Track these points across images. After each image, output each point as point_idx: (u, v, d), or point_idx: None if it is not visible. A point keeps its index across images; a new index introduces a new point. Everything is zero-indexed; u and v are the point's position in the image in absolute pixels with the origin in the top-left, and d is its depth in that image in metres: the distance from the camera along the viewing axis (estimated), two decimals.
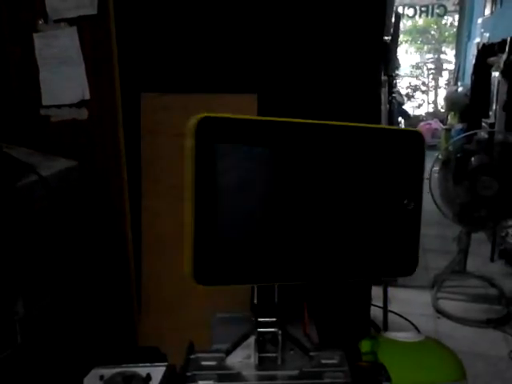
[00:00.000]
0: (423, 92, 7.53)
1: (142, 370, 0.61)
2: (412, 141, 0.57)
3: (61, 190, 1.30)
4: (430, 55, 7.68)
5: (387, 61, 1.51)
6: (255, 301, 0.61)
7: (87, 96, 1.55)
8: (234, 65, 1.45)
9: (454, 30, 7.31)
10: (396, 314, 2.51)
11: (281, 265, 0.54)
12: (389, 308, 2.45)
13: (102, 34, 1.53)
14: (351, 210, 0.56)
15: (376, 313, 2.21)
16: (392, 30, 2.12)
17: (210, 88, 1.44)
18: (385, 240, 0.57)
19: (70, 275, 1.37)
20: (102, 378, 0.60)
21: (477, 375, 2.08)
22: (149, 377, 0.61)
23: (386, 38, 1.32)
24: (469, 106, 4.45)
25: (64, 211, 1.29)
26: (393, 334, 0.63)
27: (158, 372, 0.60)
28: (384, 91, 1.34)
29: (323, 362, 0.59)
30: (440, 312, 2.60)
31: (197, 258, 0.50)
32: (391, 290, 2.73)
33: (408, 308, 2.61)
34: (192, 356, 0.61)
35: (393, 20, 2.31)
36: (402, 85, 7.30)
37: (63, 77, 1.53)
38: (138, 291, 1.56)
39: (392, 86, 3.69)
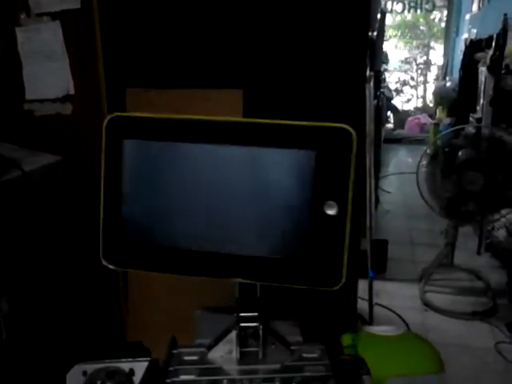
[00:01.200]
0: (412, 87, 7.57)
1: (125, 365, 0.61)
2: (337, 137, 0.51)
3: (45, 185, 1.29)
4: (419, 50, 7.71)
5: (373, 56, 1.52)
6: (237, 295, 0.62)
7: (72, 91, 1.53)
8: (219, 60, 1.44)
9: (443, 25, 7.35)
10: (383, 306, 2.54)
11: (183, 258, 0.55)
12: (376, 301, 2.47)
13: (85, 29, 1.51)
14: (260, 207, 0.52)
15: (363, 306, 2.23)
16: (378, 26, 2.13)
17: (195, 83, 1.44)
18: (301, 246, 0.51)
19: (55, 271, 1.36)
20: (85, 373, 0.60)
21: (464, 367, 2.10)
22: (132, 372, 0.61)
23: (371, 33, 1.33)
24: (457, 100, 4.48)
25: (48, 207, 1.28)
26: (373, 328, 0.63)
27: (141, 367, 0.60)
28: (369, 86, 1.34)
29: (304, 355, 0.60)
30: (427, 305, 2.63)
31: (105, 241, 0.57)
32: (379, 284, 2.75)
33: (395, 301, 2.63)
34: (174, 351, 0.61)
35: (379, 16, 2.33)
36: (391, 80, 7.32)
37: (47, 71, 1.52)
38: (125, 287, 1.55)
39: (380, 81, 3.70)
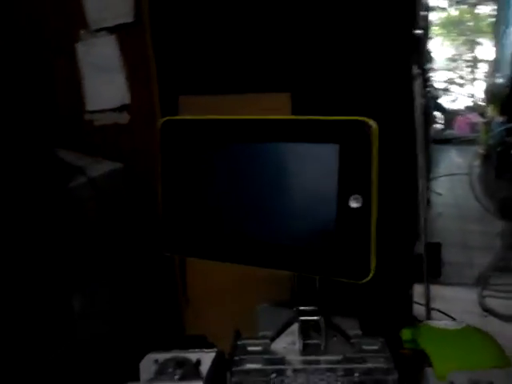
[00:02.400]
0: (460, 85, 7.34)
1: (192, 356, 0.64)
2: (358, 130, 0.51)
3: (108, 190, 1.36)
4: (466, 47, 7.47)
5: (419, 54, 1.50)
6: (296, 290, 0.64)
7: (127, 100, 1.61)
8: (268, 64, 1.47)
9: (490, 19, 7.09)
10: (440, 312, 2.47)
11: (232, 247, 0.59)
12: (433, 306, 2.41)
13: (139, 41, 1.59)
14: (292, 203, 0.55)
15: (420, 312, 2.18)
16: (423, 24, 2.09)
17: (245, 88, 1.47)
18: (328, 240, 0.53)
19: (119, 271, 1.43)
20: (156, 362, 0.64)
21: None
22: (199, 362, 0.64)
23: (417, 31, 1.32)
24: (509, 97, 4.31)
25: (111, 211, 1.35)
26: (433, 322, 0.64)
27: (207, 357, 0.64)
28: (417, 84, 1.33)
29: (365, 348, 0.61)
30: (487, 310, 2.54)
31: (165, 232, 0.63)
32: (435, 288, 2.67)
33: (453, 306, 2.54)
34: (239, 342, 0.64)
35: (424, 13, 2.28)
36: (437, 79, 7.13)
37: (104, 83, 1.60)
38: (183, 282, 1.61)
39: (426, 79, 3.63)
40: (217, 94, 1.51)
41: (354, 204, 0.51)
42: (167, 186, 0.62)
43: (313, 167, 0.54)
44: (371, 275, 0.51)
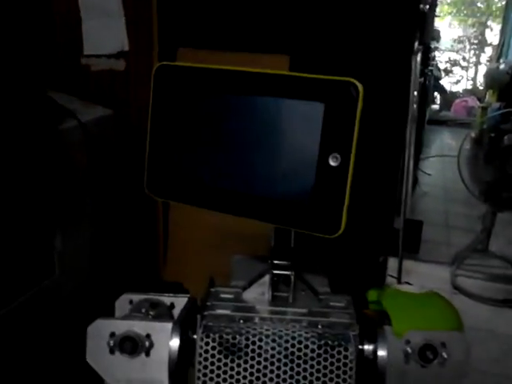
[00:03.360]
0: (463, 68, 7.28)
1: (166, 299, 0.67)
2: (345, 91, 0.52)
3: (97, 136, 1.37)
4: (474, 29, 7.37)
5: (423, 29, 1.49)
6: (272, 244, 0.66)
7: (126, 47, 1.59)
8: (269, 26, 1.46)
9: (503, 2, 6.98)
10: (410, 285, 2.54)
11: (212, 194, 0.61)
12: (407, 280, 2.49)
13: None
14: (274, 157, 0.56)
15: (392, 284, 2.25)
16: (431, 0, 2.07)
17: (244, 47, 1.46)
18: (306, 194, 0.55)
19: (103, 215, 1.45)
20: (131, 302, 0.66)
21: (489, 352, 2.11)
22: (172, 305, 0.67)
23: (423, 6, 1.31)
24: (509, 84, 4.30)
25: (99, 156, 1.36)
26: (398, 286, 0.67)
27: (180, 302, 0.66)
28: (415, 59, 1.33)
29: (331, 304, 0.64)
30: (457, 288, 2.62)
31: (149, 174, 0.64)
32: (411, 264, 2.76)
33: (425, 282, 2.63)
34: (212, 289, 0.67)
35: None
36: (442, 59, 7.05)
37: (104, 27, 1.57)
38: (165, 237, 1.64)
39: (428, 58, 3.59)
40: (216, 49, 1.50)
41: (332, 162, 0.53)
42: (155, 130, 0.64)
43: (297, 123, 0.55)
44: (341, 231, 0.53)
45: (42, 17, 1.60)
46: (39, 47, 1.25)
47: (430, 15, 2.41)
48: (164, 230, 1.65)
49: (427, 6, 1.90)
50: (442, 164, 4.70)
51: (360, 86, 0.51)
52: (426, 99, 4.16)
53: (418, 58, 1.39)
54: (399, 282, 2.23)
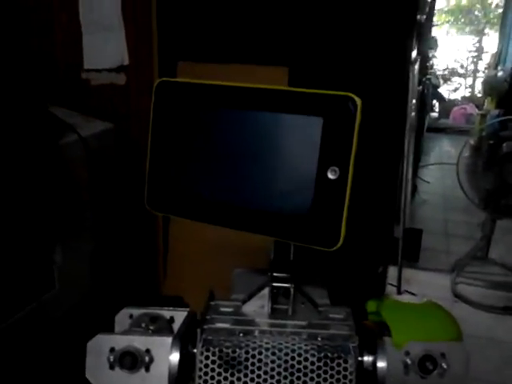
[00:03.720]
0: (461, 75, 7.32)
1: (166, 313, 0.67)
2: (343, 105, 0.53)
3: (98, 150, 1.38)
4: (472, 37, 7.42)
5: (420, 39, 1.51)
6: (271, 257, 0.67)
7: (126, 61, 1.60)
8: (268, 38, 1.47)
9: (500, 10, 7.03)
10: (412, 294, 2.54)
11: (212, 208, 0.61)
12: (407, 289, 2.48)
13: (142, 2, 1.57)
14: (274, 171, 0.56)
15: (392, 293, 2.24)
16: (427, 8, 2.08)
17: (244, 59, 1.48)
18: (305, 208, 0.55)
19: (104, 230, 1.46)
20: (131, 316, 0.67)
21: (489, 360, 2.10)
22: (172, 319, 0.67)
23: (420, 15, 1.32)
24: (508, 91, 4.33)
25: (100, 170, 1.37)
26: (397, 296, 0.67)
27: (180, 316, 0.66)
28: (413, 69, 1.34)
29: (331, 316, 0.64)
30: (458, 296, 2.62)
31: (149, 189, 0.64)
32: (411, 272, 2.75)
33: (425, 290, 2.62)
34: (212, 303, 0.67)
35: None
36: (439, 67, 7.09)
37: (104, 42, 1.59)
38: (165, 251, 1.64)
39: (427, 67, 3.61)
40: (215, 62, 1.51)
41: (331, 176, 0.53)
42: (155, 145, 0.64)
43: (296, 138, 0.56)
44: (340, 244, 0.54)
45: (43, 32, 1.61)
46: (39, 62, 1.27)
47: (427, 25, 2.43)
48: (164, 244, 1.65)
49: (424, 16, 1.92)
50: (441, 172, 4.71)
51: (358, 101, 0.52)
52: (424, 107, 4.18)
53: (416, 67, 1.40)
54: (399, 290, 2.23)
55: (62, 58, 1.66)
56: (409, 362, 0.57)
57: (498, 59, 6.26)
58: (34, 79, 1.16)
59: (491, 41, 7.34)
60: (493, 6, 7.50)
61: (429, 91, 4.64)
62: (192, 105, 0.61)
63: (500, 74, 5.23)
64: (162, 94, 0.63)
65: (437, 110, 6.60)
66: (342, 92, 0.53)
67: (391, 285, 2.22)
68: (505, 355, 2.18)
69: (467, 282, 2.74)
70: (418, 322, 0.62)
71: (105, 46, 1.59)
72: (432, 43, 4.73)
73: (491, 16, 7.53)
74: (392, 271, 2.16)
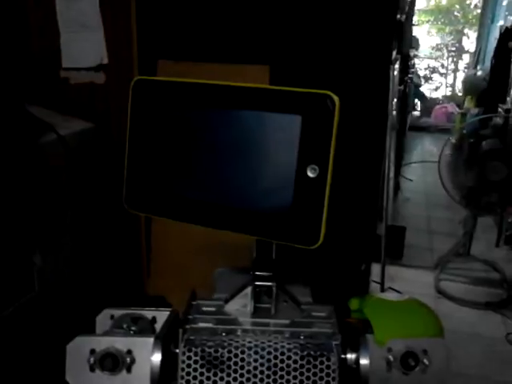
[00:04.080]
0: (442, 74, 7.41)
1: (148, 314, 0.67)
2: (322, 103, 0.53)
3: (77, 149, 1.36)
4: (452, 37, 7.52)
5: (400, 39, 1.52)
6: (254, 255, 0.66)
7: (105, 60, 1.58)
8: (248, 36, 1.47)
9: (479, 11, 7.14)
10: (396, 291, 2.57)
11: (192, 207, 0.60)
12: (391, 286, 2.51)
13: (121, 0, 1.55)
14: (253, 169, 0.56)
15: (376, 290, 2.26)
16: (407, 8, 2.11)
17: (224, 58, 1.47)
18: (285, 206, 0.55)
19: (85, 230, 1.44)
20: (112, 317, 0.66)
21: (472, 355, 2.13)
22: (154, 319, 0.67)
23: (400, 15, 1.34)
24: (486, 90, 4.39)
25: (80, 169, 1.35)
26: (379, 294, 0.68)
27: (162, 316, 0.66)
28: (393, 69, 1.35)
29: (313, 314, 0.64)
30: (441, 292, 2.65)
31: (128, 188, 0.64)
32: (394, 269, 2.78)
33: (409, 287, 2.65)
34: (194, 302, 0.66)
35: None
36: (421, 66, 7.18)
37: (83, 40, 1.57)
38: (148, 250, 1.63)
39: (408, 66, 3.65)
40: (196, 61, 1.50)
41: (311, 174, 0.53)
42: (134, 144, 0.64)
43: (275, 136, 0.55)
44: (320, 242, 0.54)
45: (19, 29, 1.58)
46: (17, 60, 1.24)
47: (407, 24, 2.46)
48: (147, 243, 1.64)
49: (404, 16, 1.94)
50: (423, 170, 4.76)
51: (336, 99, 0.52)
52: (406, 106, 4.22)
53: (396, 67, 1.42)
54: (382, 288, 2.25)
55: (39, 56, 1.63)
56: (391, 358, 0.57)
57: (477, 59, 6.36)
58: (11, 78, 1.14)
59: (470, 41, 7.45)
60: (471, 6, 7.61)
61: (410, 90, 4.69)
62: (170, 103, 0.61)
63: (479, 73, 5.31)
64: (140, 92, 0.62)
65: (419, 108, 6.68)
66: (320, 90, 0.53)
67: (375, 282, 2.23)
68: (487, 350, 2.22)
69: (450, 278, 2.78)
70: (400, 319, 0.62)
71: (83, 44, 1.57)
72: (413, 42, 4.78)
73: (470, 16, 7.64)
74: (376, 268, 2.18)
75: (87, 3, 1.55)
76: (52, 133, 1.29)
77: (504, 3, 5.71)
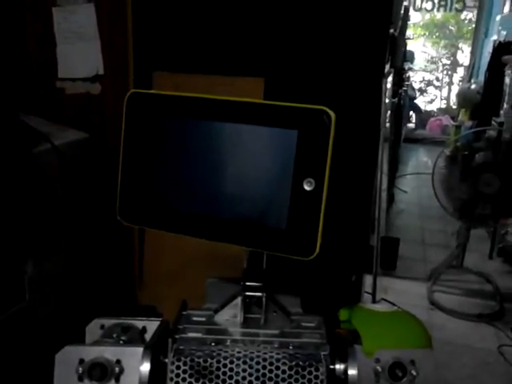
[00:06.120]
0: (436, 87, 7.48)
1: (138, 323, 0.67)
2: (318, 118, 0.54)
3: (72, 159, 1.36)
4: (446, 51, 7.61)
5: (393, 53, 1.55)
6: (245, 266, 0.67)
7: (101, 71, 1.60)
8: (244, 49, 1.49)
9: (473, 26, 7.23)
10: (389, 302, 2.57)
11: (187, 220, 0.61)
12: (384, 297, 2.51)
13: (118, 12, 1.57)
14: (250, 182, 0.57)
15: (368, 301, 2.26)
16: (400, 22, 2.14)
17: (220, 70, 1.49)
18: (281, 218, 0.56)
19: (77, 240, 1.44)
20: (102, 327, 0.66)
21: (464, 366, 2.13)
22: (144, 329, 0.67)
23: (393, 30, 1.36)
24: (480, 103, 4.44)
25: (74, 179, 1.36)
26: (368, 305, 0.68)
27: (153, 325, 0.66)
28: (385, 82, 1.37)
29: (303, 324, 0.65)
30: (434, 304, 2.65)
31: (121, 200, 0.64)
32: (388, 280, 2.79)
33: (402, 298, 2.65)
34: (184, 312, 0.67)
35: (402, 12, 2.33)
36: (416, 79, 7.25)
37: (79, 51, 1.58)
38: (140, 261, 1.63)
39: (403, 79, 3.69)
40: (191, 73, 1.51)
41: (307, 187, 0.54)
42: (127, 156, 0.64)
43: (272, 150, 0.56)
44: (316, 253, 0.54)
45: (16, 39, 1.60)
46: (12, 70, 1.25)
47: (401, 38, 2.49)
48: (139, 253, 1.64)
49: (397, 30, 1.97)
50: (417, 181, 4.79)
51: (332, 114, 0.54)
52: (401, 118, 4.25)
53: (389, 80, 1.43)
54: (374, 299, 2.25)
55: (35, 66, 1.64)
56: (379, 369, 0.57)
57: (471, 72, 6.44)
58: (6, 87, 1.15)
59: (464, 54, 7.54)
60: (466, 21, 7.71)
61: (405, 102, 4.73)
62: (164, 116, 0.61)
63: (473, 86, 5.37)
64: (134, 105, 0.63)
65: (413, 120, 6.73)
66: (316, 106, 0.54)
67: (368, 293, 2.23)
68: (480, 362, 2.21)
69: (443, 290, 2.78)
70: (388, 330, 0.62)
71: (79, 55, 1.58)
72: (408, 56, 4.83)
73: (464, 31, 7.74)
74: (369, 280, 2.18)
75: (84, 15, 1.56)
76: (47, 143, 1.29)
77: (497, 18, 5.79)
